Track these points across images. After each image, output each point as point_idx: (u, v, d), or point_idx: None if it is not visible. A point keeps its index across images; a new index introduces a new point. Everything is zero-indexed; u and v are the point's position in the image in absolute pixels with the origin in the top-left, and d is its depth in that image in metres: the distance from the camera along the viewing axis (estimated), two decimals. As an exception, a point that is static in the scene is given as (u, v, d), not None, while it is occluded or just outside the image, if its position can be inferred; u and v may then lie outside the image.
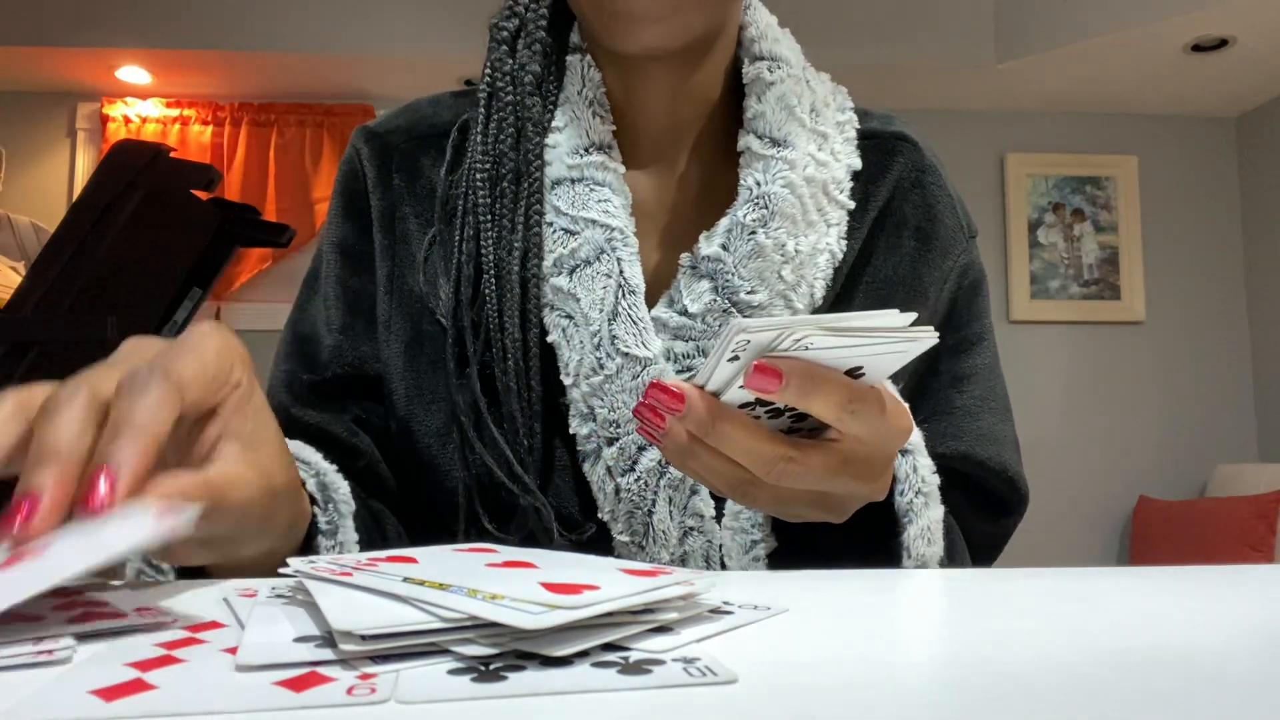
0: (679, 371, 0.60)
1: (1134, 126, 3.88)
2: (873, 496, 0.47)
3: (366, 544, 0.56)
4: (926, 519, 0.54)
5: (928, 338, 0.39)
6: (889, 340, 0.38)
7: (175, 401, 0.35)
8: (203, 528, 0.36)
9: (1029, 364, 3.69)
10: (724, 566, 0.58)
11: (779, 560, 0.58)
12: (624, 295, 0.59)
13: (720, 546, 0.58)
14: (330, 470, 0.56)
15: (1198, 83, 3.59)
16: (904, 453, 0.54)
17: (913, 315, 0.39)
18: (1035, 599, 0.39)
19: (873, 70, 3.47)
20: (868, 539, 0.54)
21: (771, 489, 0.43)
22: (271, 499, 0.42)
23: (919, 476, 0.54)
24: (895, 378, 0.58)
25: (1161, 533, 3.48)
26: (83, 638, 0.29)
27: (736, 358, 0.39)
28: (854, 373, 0.41)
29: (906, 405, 0.54)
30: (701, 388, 0.41)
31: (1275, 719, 0.23)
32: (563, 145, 0.62)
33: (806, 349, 0.38)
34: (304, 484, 0.53)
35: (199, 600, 0.36)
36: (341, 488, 0.55)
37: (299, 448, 0.57)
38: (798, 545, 0.57)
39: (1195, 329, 3.82)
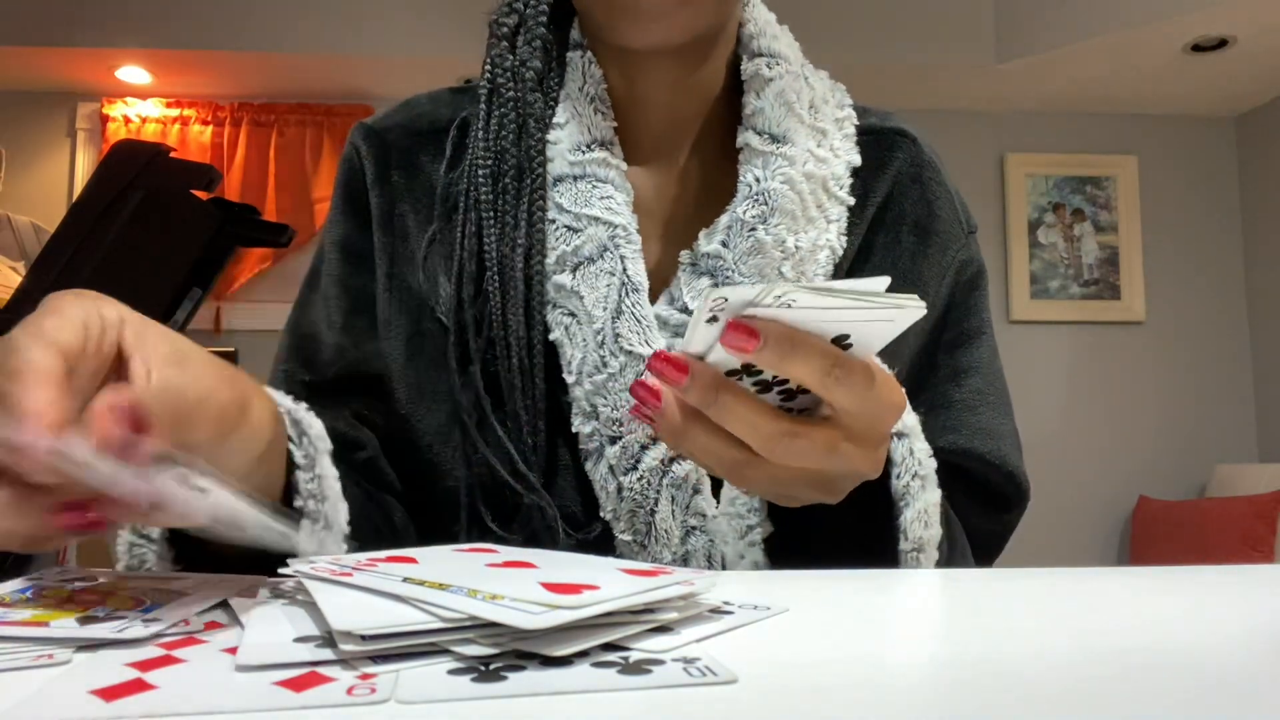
0: None
1: (1134, 126, 3.88)
2: (868, 474, 0.46)
3: (366, 523, 0.54)
4: (924, 502, 0.53)
5: (914, 306, 0.38)
6: (874, 306, 0.37)
7: (48, 344, 0.34)
8: (166, 440, 0.35)
9: (1029, 364, 3.68)
10: (722, 556, 0.58)
11: (775, 546, 0.58)
12: (627, 293, 0.59)
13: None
14: (300, 409, 0.53)
15: (1198, 83, 3.58)
16: (900, 436, 0.53)
17: (888, 280, 0.38)
18: (1035, 599, 0.39)
19: (873, 70, 3.47)
20: (865, 523, 0.53)
21: (768, 469, 0.42)
22: (222, 398, 0.40)
23: (915, 459, 0.53)
24: (889, 364, 0.58)
25: (1161, 533, 3.48)
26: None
27: (715, 318, 0.38)
28: (841, 342, 0.40)
29: (902, 390, 0.54)
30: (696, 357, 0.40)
31: (1276, 719, 0.23)
32: (564, 141, 0.62)
33: (789, 307, 0.37)
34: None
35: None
36: (315, 425, 0.53)
37: (269, 391, 0.56)
38: (794, 530, 0.57)
39: (1195, 329, 3.82)
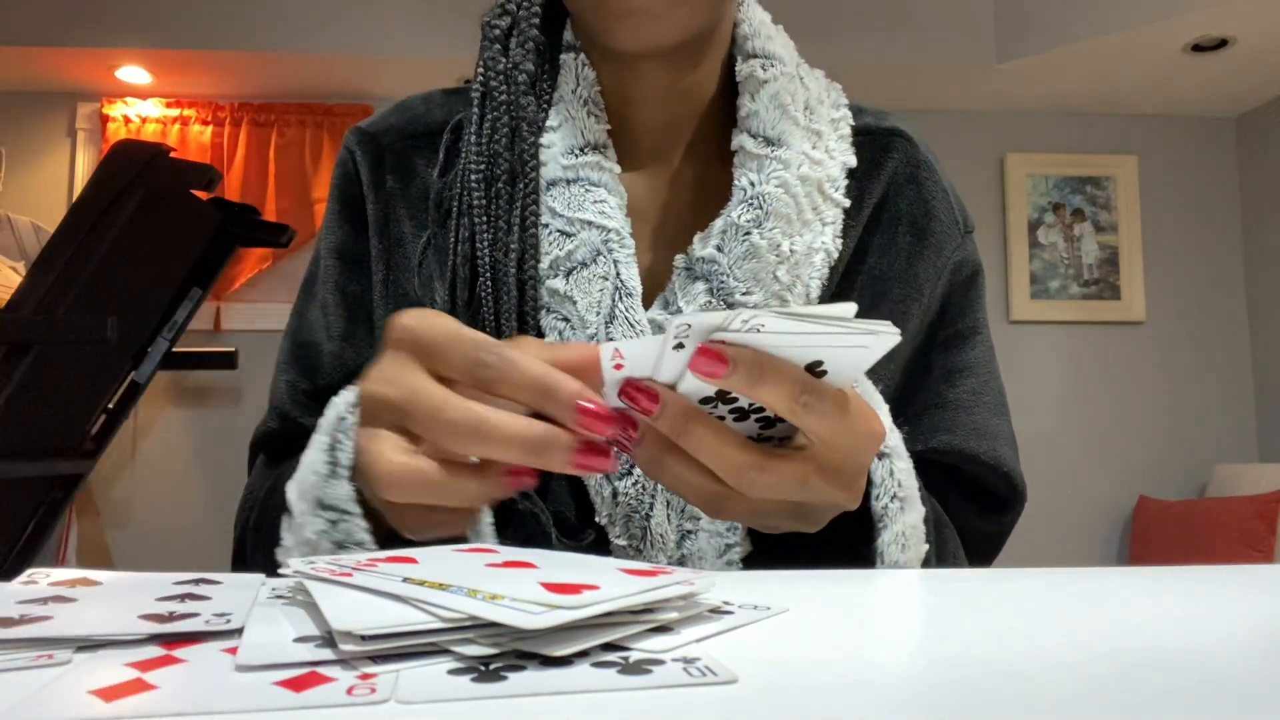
0: None
1: (1134, 126, 3.88)
2: (846, 505, 0.46)
3: None
4: (902, 524, 0.52)
5: (888, 333, 0.37)
6: (846, 331, 0.37)
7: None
8: None
9: (1029, 364, 3.69)
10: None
11: (753, 564, 0.58)
12: (621, 298, 0.59)
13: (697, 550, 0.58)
14: None
15: (1198, 83, 3.58)
16: (881, 456, 0.52)
17: (854, 306, 0.38)
18: (1035, 599, 0.39)
19: (873, 70, 3.47)
20: (843, 544, 0.53)
21: (744, 502, 0.42)
22: None
23: (895, 480, 0.52)
24: (877, 380, 0.58)
25: (1161, 533, 3.48)
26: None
27: (681, 345, 0.38)
28: (815, 370, 0.39)
29: (885, 409, 0.53)
30: (667, 386, 0.40)
31: (1276, 719, 0.23)
32: (557, 145, 0.62)
33: (758, 331, 0.37)
34: None
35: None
36: None
37: None
38: (773, 549, 0.57)
39: (1195, 329, 3.82)
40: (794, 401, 0.39)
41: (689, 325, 0.37)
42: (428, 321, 0.43)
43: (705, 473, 0.42)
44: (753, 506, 0.43)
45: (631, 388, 0.40)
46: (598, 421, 0.39)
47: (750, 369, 0.37)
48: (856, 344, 0.38)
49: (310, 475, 0.47)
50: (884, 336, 0.38)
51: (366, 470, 0.43)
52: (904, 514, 0.52)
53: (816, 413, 0.39)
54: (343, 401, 0.49)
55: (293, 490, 0.49)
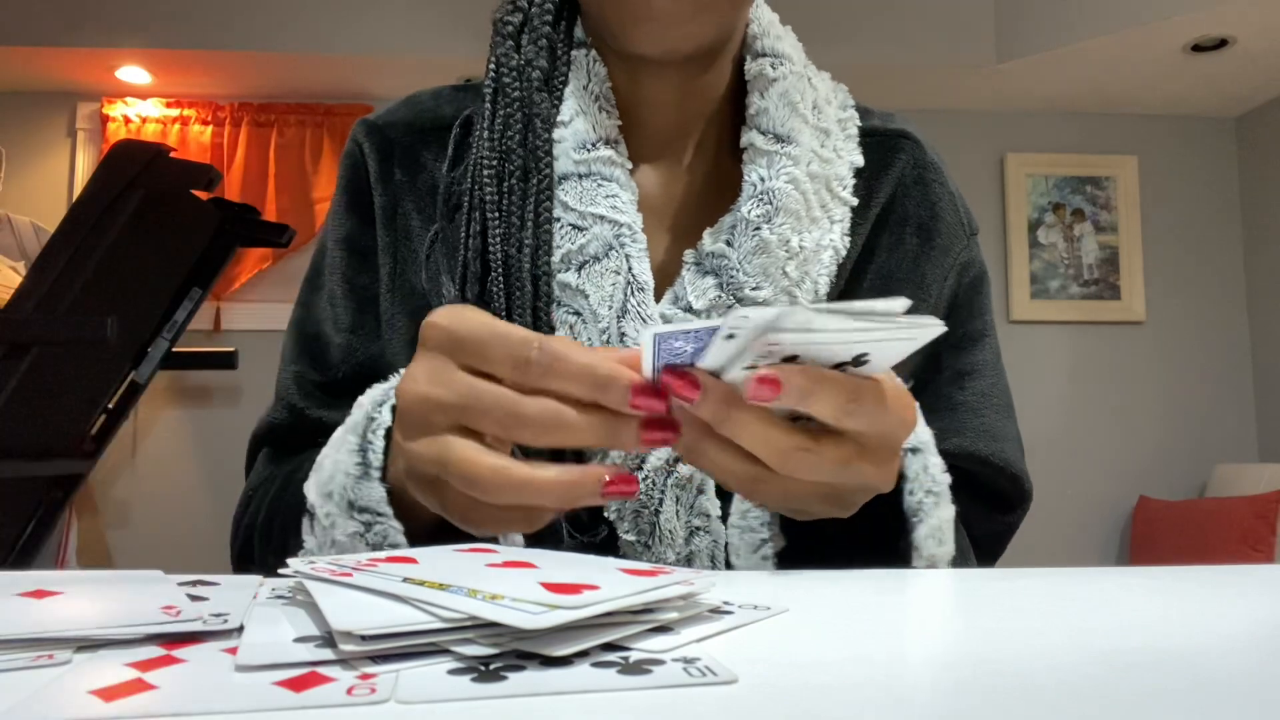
0: None
1: (1134, 126, 3.88)
2: (881, 487, 0.46)
3: None
4: (937, 518, 0.53)
5: (934, 326, 0.38)
6: (894, 326, 0.38)
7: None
8: None
9: (1029, 364, 3.68)
10: (730, 566, 0.58)
11: (787, 560, 0.58)
12: (633, 292, 0.59)
13: (726, 546, 0.58)
14: None
15: (1198, 83, 3.58)
16: (914, 451, 0.53)
17: (908, 302, 0.38)
18: (1035, 599, 0.39)
19: (873, 70, 3.47)
20: (877, 539, 0.53)
21: (781, 484, 0.42)
22: None
23: (929, 475, 0.53)
24: (898, 374, 0.58)
25: (1161, 533, 3.48)
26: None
27: (733, 336, 0.38)
28: (859, 359, 0.40)
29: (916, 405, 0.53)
30: (709, 372, 0.41)
31: (1276, 719, 0.23)
32: (569, 140, 0.62)
33: (809, 328, 0.37)
34: None
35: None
36: None
37: None
38: (806, 544, 0.57)
39: (1195, 329, 3.82)
40: (840, 411, 0.40)
41: (746, 318, 0.37)
42: (463, 318, 0.42)
43: (742, 456, 0.42)
44: (788, 489, 0.43)
45: (672, 375, 0.40)
46: (652, 399, 0.40)
47: (800, 390, 0.38)
48: (901, 336, 0.39)
49: (340, 476, 0.48)
50: (930, 329, 0.38)
51: (433, 473, 0.42)
52: (938, 508, 0.53)
53: (858, 415, 0.40)
54: (369, 400, 0.49)
55: (314, 491, 0.49)
